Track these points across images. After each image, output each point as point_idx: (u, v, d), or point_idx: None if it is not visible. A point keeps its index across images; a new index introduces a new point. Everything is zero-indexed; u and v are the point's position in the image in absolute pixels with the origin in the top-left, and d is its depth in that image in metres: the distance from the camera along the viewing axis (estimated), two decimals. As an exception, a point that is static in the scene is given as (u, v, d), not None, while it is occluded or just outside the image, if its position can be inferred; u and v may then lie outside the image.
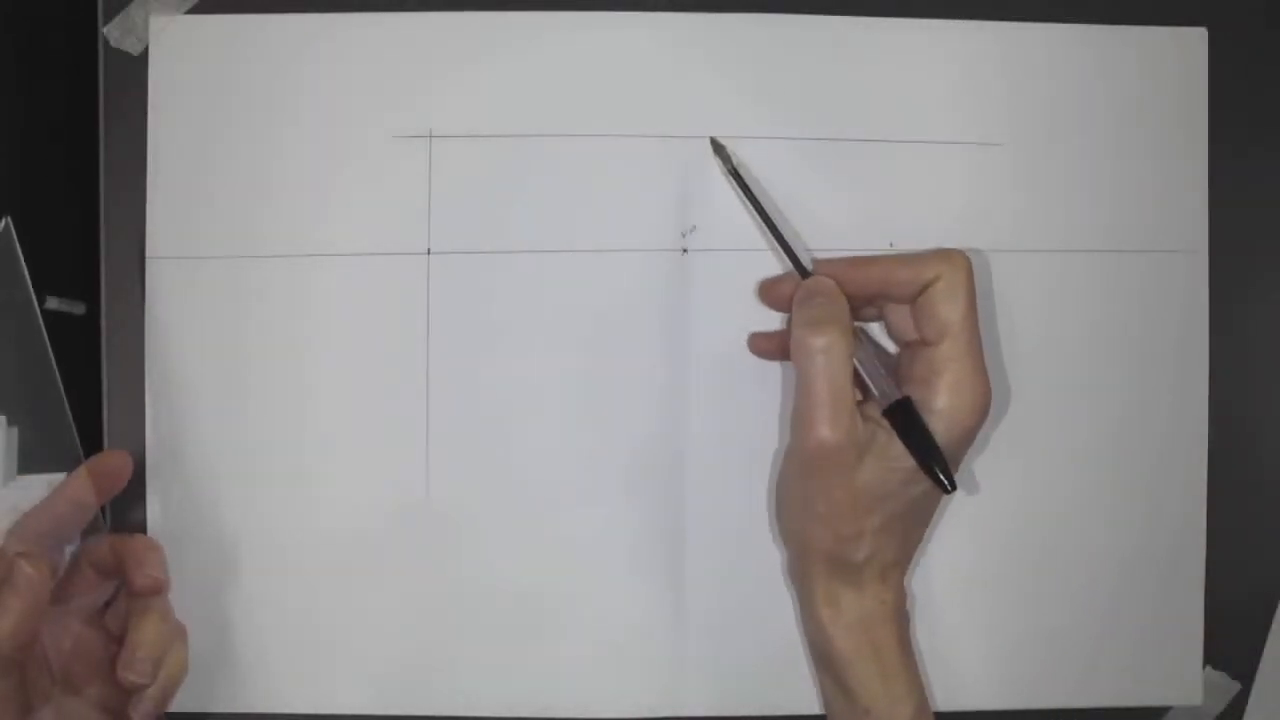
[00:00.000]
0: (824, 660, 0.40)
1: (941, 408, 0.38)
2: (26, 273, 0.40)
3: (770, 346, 0.43)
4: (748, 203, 0.42)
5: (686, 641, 0.44)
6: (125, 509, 0.43)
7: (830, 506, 0.38)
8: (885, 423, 0.38)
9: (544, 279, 0.43)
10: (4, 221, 0.40)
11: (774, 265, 0.44)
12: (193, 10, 0.43)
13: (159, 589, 0.41)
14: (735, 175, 0.42)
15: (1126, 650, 0.45)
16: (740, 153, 0.44)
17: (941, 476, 0.38)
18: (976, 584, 0.45)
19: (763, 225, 0.42)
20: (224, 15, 0.43)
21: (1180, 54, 0.45)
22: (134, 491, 0.43)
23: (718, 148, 0.42)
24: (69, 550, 0.41)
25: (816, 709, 0.43)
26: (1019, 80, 0.45)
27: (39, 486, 0.41)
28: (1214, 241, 0.45)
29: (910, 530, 0.40)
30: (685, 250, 0.44)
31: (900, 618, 0.40)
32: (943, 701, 0.45)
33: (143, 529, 0.43)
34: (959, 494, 0.44)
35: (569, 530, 0.44)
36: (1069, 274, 0.45)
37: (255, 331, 0.43)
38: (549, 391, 0.44)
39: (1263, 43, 0.45)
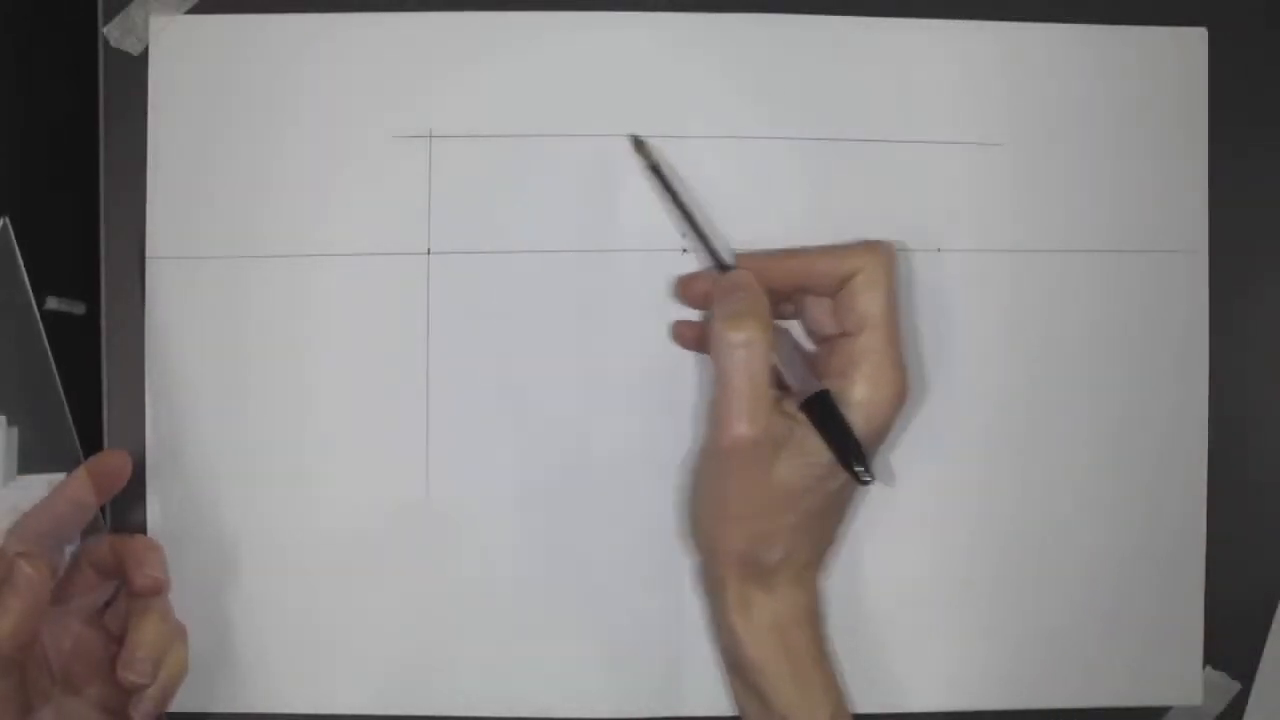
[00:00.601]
0: (736, 667, 0.39)
1: (859, 399, 0.38)
2: (25, 273, 0.40)
3: (692, 336, 0.43)
4: (668, 198, 0.42)
5: (686, 641, 0.44)
6: (125, 509, 0.43)
7: (746, 505, 0.37)
8: (802, 417, 0.38)
9: (544, 279, 0.43)
10: (3, 222, 0.40)
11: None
12: (193, 10, 0.43)
13: (159, 589, 0.41)
14: (655, 171, 0.42)
15: (1126, 650, 0.45)
16: (740, 153, 0.44)
17: (859, 468, 0.37)
18: (976, 584, 0.45)
19: (682, 220, 0.42)
20: (224, 15, 0.43)
21: (1180, 54, 0.45)
22: (134, 491, 0.43)
23: (638, 144, 0.42)
24: (69, 550, 0.41)
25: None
26: (1019, 80, 0.45)
27: (39, 486, 0.41)
28: (1214, 241, 0.45)
29: (825, 528, 0.40)
30: (685, 250, 0.44)
31: (814, 620, 0.39)
32: (943, 702, 0.45)
33: (143, 529, 0.43)
34: (960, 493, 0.44)
35: (569, 530, 0.44)
36: (1069, 274, 0.45)
37: (255, 331, 0.43)
38: (548, 391, 0.44)
39: (1263, 43, 0.45)
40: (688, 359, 0.44)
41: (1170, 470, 0.45)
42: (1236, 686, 0.46)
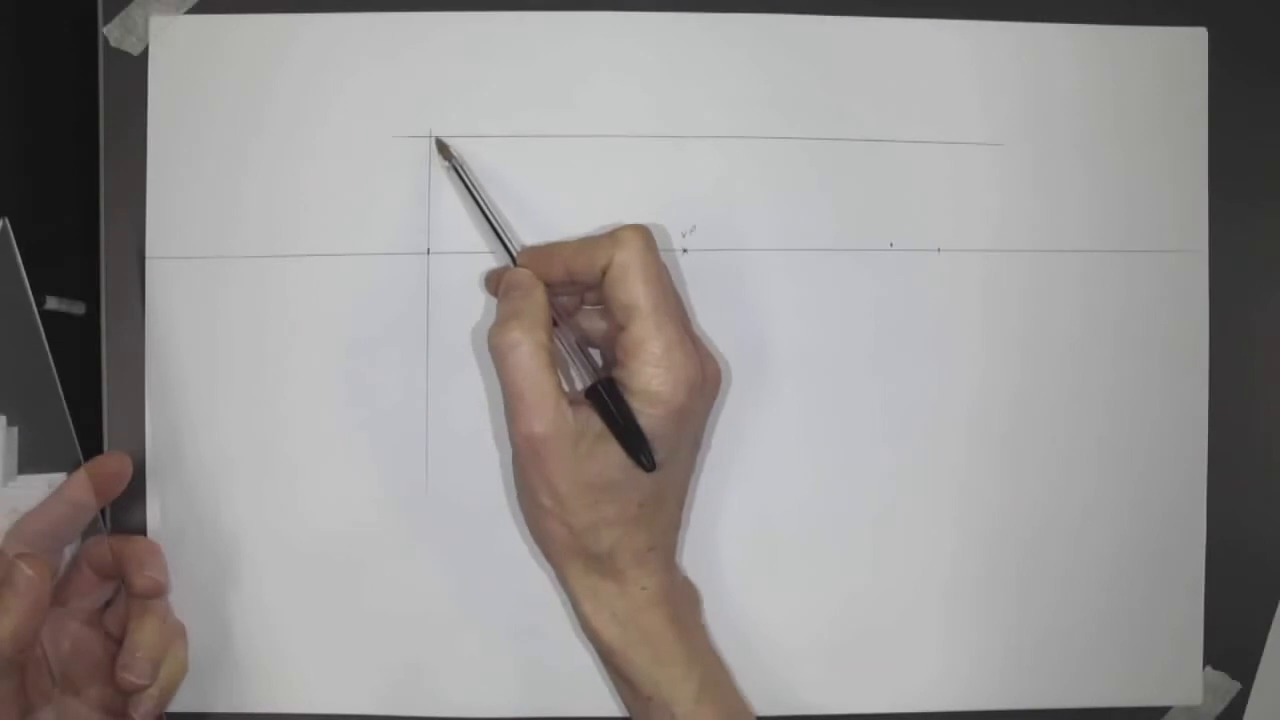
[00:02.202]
0: (600, 654, 0.40)
1: (641, 388, 0.37)
2: (24, 273, 0.40)
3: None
4: (470, 198, 0.42)
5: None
6: (125, 509, 0.43)
7: (556, 500, 0.37)
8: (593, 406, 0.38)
9: (544, 279, 0.43)
10: (3, 222, 0.40)
11: (774, 265, 0.44)
12: (193, 10, 0.43)
13: (159, 591, 0.41)
14: (456, 172, 0.42)
15: (1126, 650, 0.45)
16: (740, 153, 0.44)
17: (641, 456, 0.37)
18: (976, 584, 0.45)
19: (482, 219, 0.42)
20: (224, 15, 0.43)
21: (1180, 54, 0.45)
22: (134, 492, 0.43)
23: (441, 147, 0.42)
24: (68, 551, 0.41)
25: (817, 709, 0.44)
26: (1019, 80, 0.45)
27: (39, 486, 0.41)
28: (1214, 241, 0.45)
29: (655, 515, 0.39)
30: (685, 250, 0.44)
31: (670, 600, 0.39)
32: (943, 702, 0.45)
33: (143, 529, 0.43)
34: (960, 494, 0.44)
35: (569, 530, 0.44)
36: (1069, 274, 0.45)
37: (255, 331, 0.43)
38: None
39: (1263, 43, 0.45)
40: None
41: (1170, 470, 0.45)
42: (1236, 686, 0.46)
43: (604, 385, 0.38)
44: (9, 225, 0.40)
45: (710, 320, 0.44)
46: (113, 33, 0.43)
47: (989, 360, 0.44)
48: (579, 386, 0.42)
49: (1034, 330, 0.44)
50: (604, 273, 0.38)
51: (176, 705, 0.42)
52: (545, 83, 0.44)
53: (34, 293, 0.40)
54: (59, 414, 0.41)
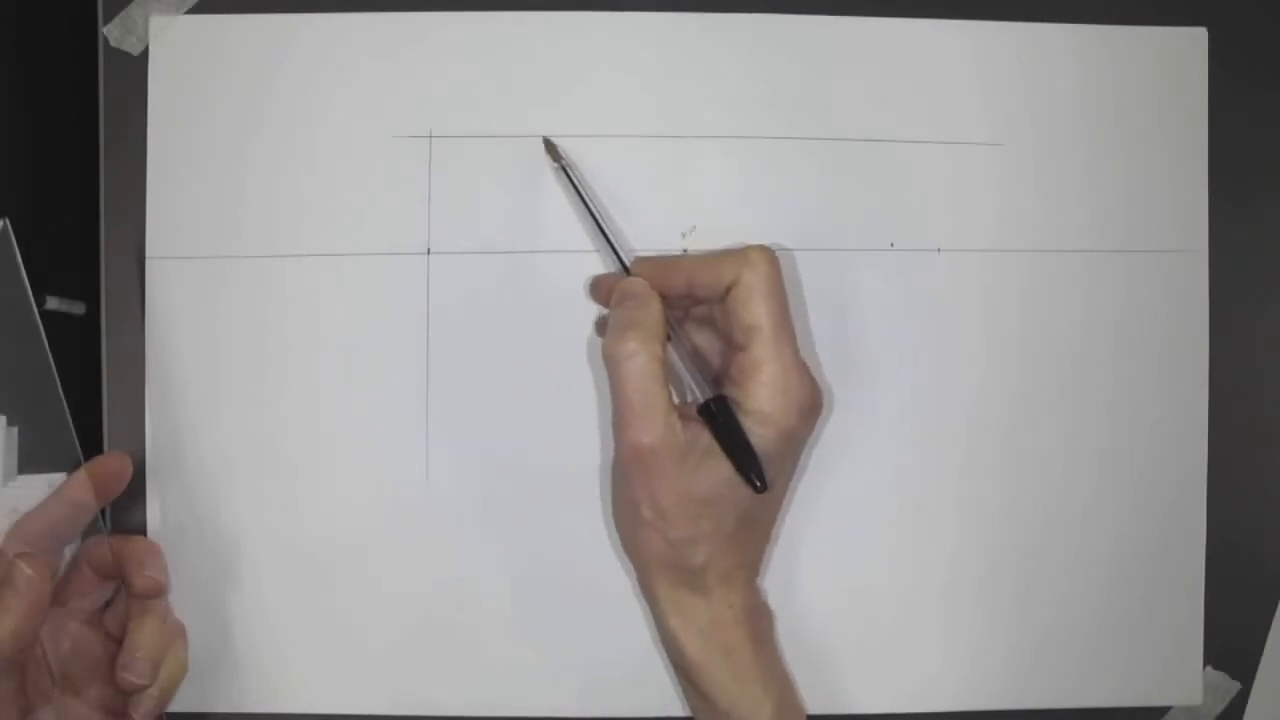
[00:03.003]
0: (679, 668, 0.40)
1: (755, 409, 0.37)
2: (25, 273, 0.40)
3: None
4: (577, 200, 0.42)
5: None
6: (125, 509, 0.43)
7: (658, 512, 0.37)
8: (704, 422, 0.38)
9: (543, 279, 0.43)
10: (3, 223, 0.40)
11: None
12: (193, 10, 0.43)
13: (159, 591, 0.41)
14: (565, 172, 0.42)
15: (1126, 650, 0.45)
16: (741, 153, 0.44)
17: (753, 476, 0.37)
18: (975, 584, 0.45)
19: (590, 223, 0.41)
20: (224, 15, 0.43)
21: (1180, 54, 0.45)
22: (134, 492, 0.43)
23: (549, 146, 0.42)
24: (68, 551, 0.41)
25: (816, 709, 0.43)
26: (1019, 80, 0.45)
27: (39, 486, 0.41)
28: (1214, 241, 0.45)
29: (750, 534, 0.39)
30: (685, 250, 0.44)
31: (752, 619, 0.39)
32: (943, 702, 0.45)
33: (143, 529, 0.43)
34: (959, 494, 0.44)
35: (570, 531, 0.44)
36: (1068, 274, 0.45)
37: (255, 331, 0.43)
38: (549, 391, 0.44)
39: (1263, 43, 0.45)
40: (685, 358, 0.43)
41: (1170, 470, 0.45)
42: (1236, 686, 0.46)
43: (718, 403, 0.38)
44: (9, 225, 0.40)
45: (710, 320, 0.44)
46: (113, 33, 0.43)
47: (989, 360, 0.44)
48: (682, 399, 0.42)
49: (1034, 330, 0.44)
50: (728, 290, 0.38)
51: (176, 705, 0.42)
52: (545, 83, 0.44)
53: (34, 293, 0.40)
54: (59, 414, 0.41)
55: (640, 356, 0.37)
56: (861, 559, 0.44)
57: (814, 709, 0.44)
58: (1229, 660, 0.45)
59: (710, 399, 0.38)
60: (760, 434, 0.37)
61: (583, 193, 0.42)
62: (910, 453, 0.44)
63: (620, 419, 0.37)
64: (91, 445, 0.42)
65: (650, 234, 0.44)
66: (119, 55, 0.43)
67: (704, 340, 0.41)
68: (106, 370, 0.43)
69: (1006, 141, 0.44)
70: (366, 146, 0.43)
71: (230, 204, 0.43)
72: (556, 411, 0.44)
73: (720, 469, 0.37)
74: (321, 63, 0.43)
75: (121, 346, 0.43)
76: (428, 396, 0.43)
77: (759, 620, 0.40)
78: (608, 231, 0.41)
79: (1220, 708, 0.46)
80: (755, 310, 0.37)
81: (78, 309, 0.44)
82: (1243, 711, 0.46)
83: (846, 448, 0.44)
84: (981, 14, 0.44)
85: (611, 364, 0.37)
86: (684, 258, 0.40)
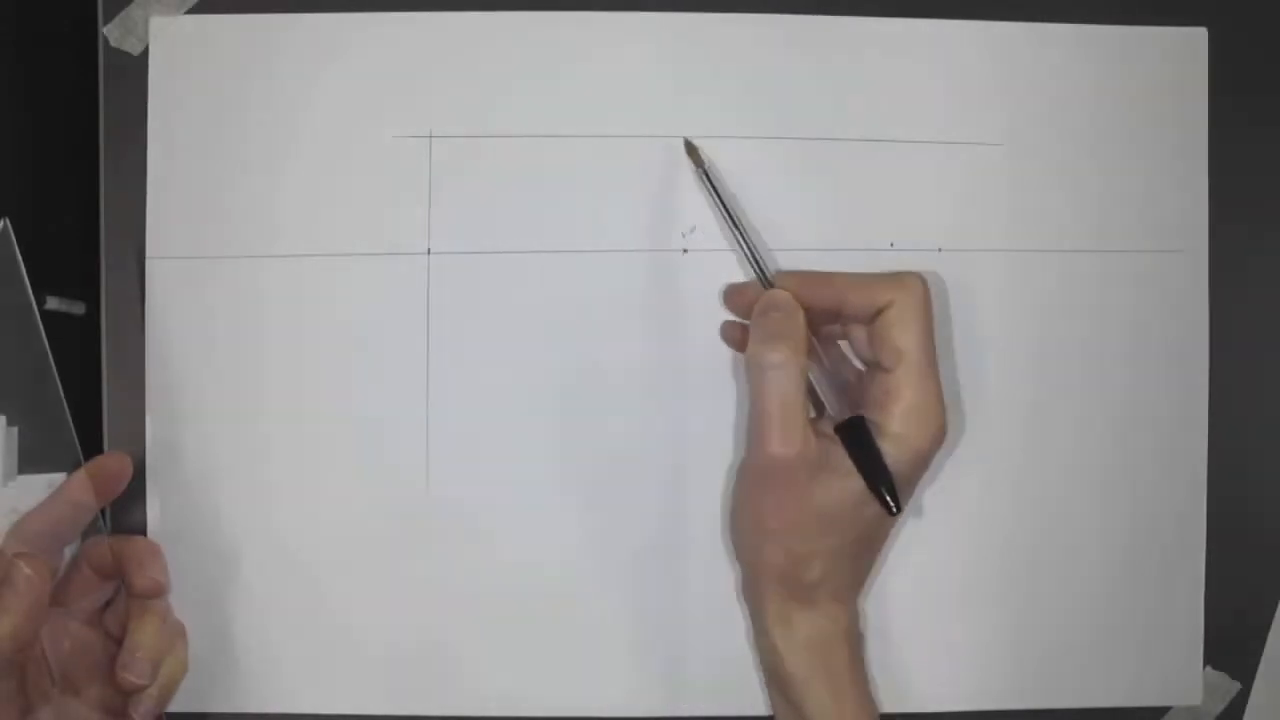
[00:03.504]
0: (776, 679, 0.40)
1: (895, 432, 0.37)
2: (25, 273, 0.40)
3: (739, 339, 0.43)
4: (719, 206, 0.42)
5: (688, 640, 0.44)
6: (125, 509, 0.43)
7: (783, 523, 0.38)
8: (840, 440, 0.38)
9: (544, 279, 0.44)
10: (3, 223, 0.40)
11: (775, 267, 0.44)
12: (193, 10, 0.43)
13: (159, 591, 0.41)
14: (706, 177, 0.42)
15: (1126, 650, 0.45)
16: (741, 153, 0.44)
17: (888, 498, 0.37)
18: (976, 585, 0.45)
19: (732, 230, 0.41)
20: (224, 15, 0.43)
21: (1180, 54, 0.45)
22: (134, 492, 0.43)
23: (690, 149, 0.42)
24: (68, 551, 0.41)
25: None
26: (1018, 80, 0.45)
27: (39, 486, 0.41)
28: (1214, 241, 0.45)
29: (864, 554, 0.40)
30: (685, 250, 0.44)
31: (853, 638, 0.40)
32: (943, 702, 0.45)
33: (142, 529, 0.43)
34: (959, 494, 0.44)
35: (569, 530, 0.44)
36: (1068, 274, 0.45)
37: (255, 331, 0.43)
38: (548, 391, 0.44)
39: (1263, 43, 0.45)
40: (686, 358, 0.44)
41: (1170, 470, 0.45)
42: (1236, 686, 0.46)
43: (858, 424, 0.38)
44: (9, 225, 0.40)
45: (710, 320, 0.44)
46: (113, 33, 0.43)
47: (987, 360, 0.44)
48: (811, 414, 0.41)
49: (1033, 330, 0.44)
50: (878, 312, 0.38)
51: (176, 705, 0.42)
52: (545, 83, 0.44)
53: (34, 293, 0.40)
54: (59, 414, 0.41)
55: (787, 368, 0.37)
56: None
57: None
58: (1229, 660, 0.45)
59: (850, 419, 0.38)
60: (896, 458, 0.37)
61: (723, 198, 0.42)
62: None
63: (759, 428, 0.37)
64: (91, 445, 0.42)
65: (651, 234, 0.44)
66: (119, 55, 0.43)
67: (833, 357, 0.41)
68: (106, 370, 0.43)
69: (1006, 141, 0.44)
70: (366, 146, 0.43)
71: (230, 204, 0.43)
72: (557, 411, 0.44)
73: (848, 487, 0.37)
74: (321, 62, 0.43)
75: (121, 346, 0.43)
76: (428, 396, 0.43)
77: (856, 640, 0.40)
78: (749, 239, 0.41)
79: (1220, 708, 0.46)
80: (907, 335, 0.38)
81: (78, 309, 0.44)
82: (1243, 711, 0.46)
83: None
84: (981, 14, 0.44)
85: (756, 372, 0.38)
86: (836, 275, 0.40)
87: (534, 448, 0.44)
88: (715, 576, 0.44)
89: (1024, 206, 0.44)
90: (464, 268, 0.43)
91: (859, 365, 0.42)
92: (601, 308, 0.43)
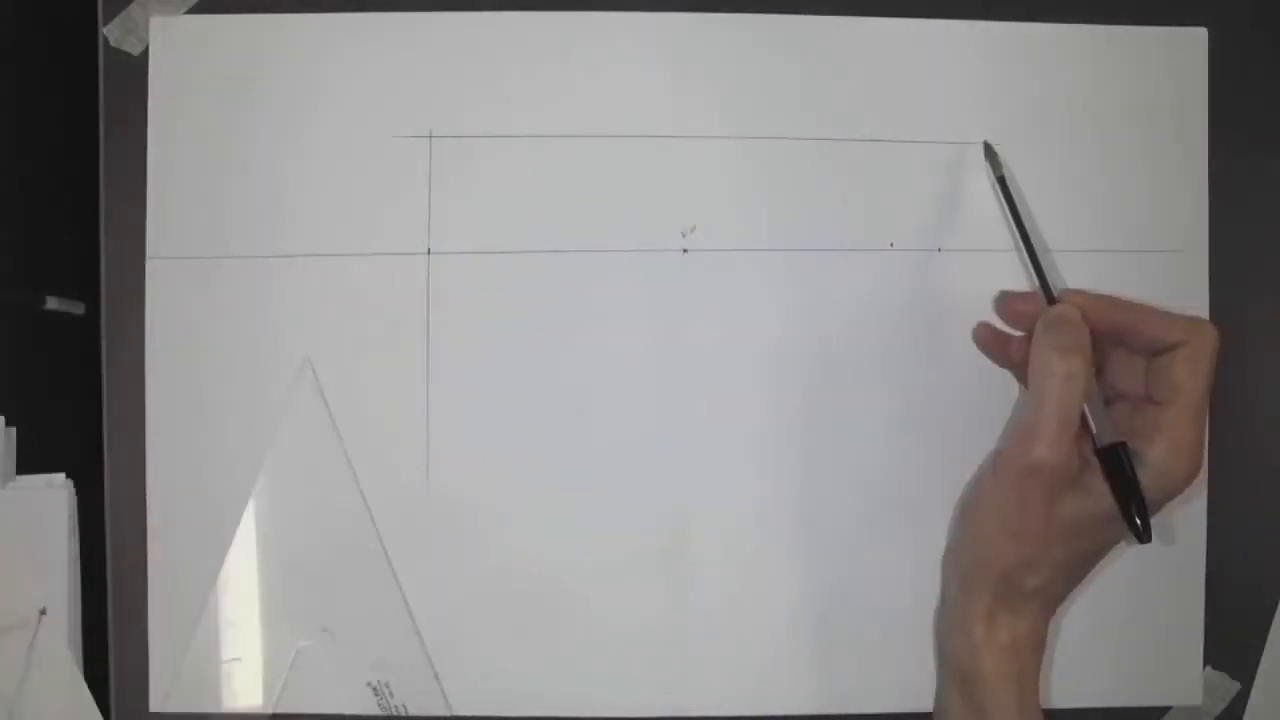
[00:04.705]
0: (966, 677, 0.40)
1: (1156, 463, 0.38)
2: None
3: (994, 343, 0.43)
4: (1008, 214, 0.42)
5: (688, 639, 0.44)
6: (125, 509, 0.43)
7: (1025, 526, 0.38)
8: (1095, 462, 0.38)
9: (544, 279, 0.44)
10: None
11: (774, 265, 0.44)
12: (193, 10, 0.43)
13: None
14: (1001, 183, 0.42)
15: (1126, 650, 0.45)
16: (741, 153, 0.44)
17: (1140, 526, 0.38)
18: (976, 584, 0.45)
19: (1021, 241, 0.42)
20: (224, 15, 0.43)
21: (1180, 54, 0.45)
22: (134, 491, 0.43)
23: (990, 153, 0.42)
24: None
25: (816, 709, 0.44)
26: (1019, 80, 0.45)
27: (39, 486, 0.41)
28: (1214, 241, 0.45)
29: (1081, 573, 0.41)
30: (685, 250, 0.44)
31: (1041, 650, 0.40)
32: (943, 701, 0.45)
33: (143, 528, 0.43)
34: (952, 491, 0.44)
35: (569, 530, 0.44)
36: (1069, 274, 0.45)
37: (255, 331, 0.43)
38: (548, 391, 0.44)
39: (1263, 43, 0.45)
40: (688, 358, 0.44)
41: (1170, 470, 0.45)
42: (1236, 686, 0.46)
43: (1123, 450, 0.38)
44: None
45: (710, 320, 0.44)
46: (113, 33, 0.43)
47: (987, 361, 0.44)
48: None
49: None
50: (1170, 348, 0.39)
51: (177, 705, 0.42)
52: (545, 83, 0.44)
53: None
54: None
55: (1075, 380, 0.38)
56: (861, 559, 0.44)
57: (815, 709, 0.44)
58: (1229, 660, 0.45)
59: (1117, 444, 0.38)
60: (1152, 488, 0.38)
61: (1017, 207, 0.42)
62: (910, 452, 0.44)
63: (1033, 431, 0.38)
64: (92, 445, 0.42)
65: (651, 234, 0.44)
66: (119, 55, 0.43)
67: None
68: (106, 370, 0.43)
69: (1006, 141, 0.44)
70: (366, 146, 0.43)
71: (230, 204, 0.43)
72: (556, 411, 0.44)
73: (1093, 506, 0.38)
74: (322, 62, 0.43)
75: (121, 346, 0.43)
76: (428, 396, 0.43)
77: (1043, 653, 0.40)
78: (1036, 250, 0.41)
79: (1220, 708, 0.46)
80: (1194, 377, 0.38)
81: (78, 309, 0.44)
82: (1243, 711, 0.46)
83: (846, 447, 0.44)
84: (982, 14, 0.44)
85: (1046, 377, 0.38)
86: (1133, 303, 0.41)
87: (534, 447, 0.44)
88: (716, 576, 0.44)
89: (1024, 206, 0.44)
90: (464, 268, 0.43)
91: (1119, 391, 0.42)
92: (601, 307, 0.43)
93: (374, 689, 0.44)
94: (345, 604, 0.44)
